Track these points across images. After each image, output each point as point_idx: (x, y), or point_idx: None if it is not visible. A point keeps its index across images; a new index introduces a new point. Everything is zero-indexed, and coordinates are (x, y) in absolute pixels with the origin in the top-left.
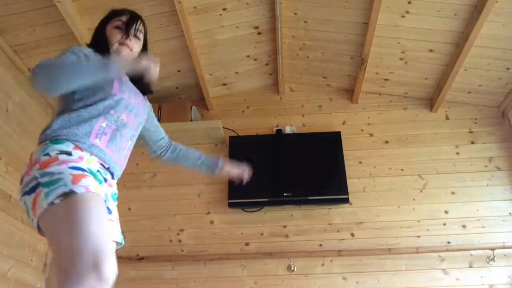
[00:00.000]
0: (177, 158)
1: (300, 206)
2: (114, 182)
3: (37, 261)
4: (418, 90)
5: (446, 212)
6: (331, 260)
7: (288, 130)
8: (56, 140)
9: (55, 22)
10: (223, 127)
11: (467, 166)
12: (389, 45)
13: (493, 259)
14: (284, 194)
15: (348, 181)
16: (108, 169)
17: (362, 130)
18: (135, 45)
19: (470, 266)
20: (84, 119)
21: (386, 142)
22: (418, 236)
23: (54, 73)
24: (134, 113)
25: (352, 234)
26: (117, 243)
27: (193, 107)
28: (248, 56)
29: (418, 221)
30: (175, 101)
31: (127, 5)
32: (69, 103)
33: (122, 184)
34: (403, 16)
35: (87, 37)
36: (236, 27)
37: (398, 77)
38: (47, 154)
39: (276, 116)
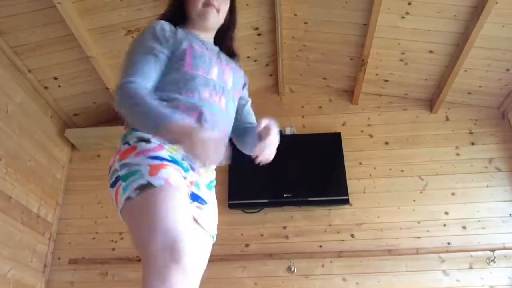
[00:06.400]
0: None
1: (300, 207)
2: (204, 170)
3: (37, 262)
4: (418, 91)
5: (446, 213)
6: (331, 261)
7: (288, 131)
8: None
9: (55, 23)
10: None
11: (467, 167)
12: (389, 46)
13: (493, 260)
14: (284, 195)
15: (348, 182)
16: None
17: (362, 131)
18: (222, 5)
19: (470, 267)
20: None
21: (386, 143)
22: (418, 237)
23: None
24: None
25: (352, 235)
26: (211, 237)
27: None
28: (248, 57)
29: (418, 222)
30: None
31: (127, 5)
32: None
33: None
34: (403, 17)
35: (87, 37)
36: (236, 28)
37: (398, 78)
38: (127, 143)
39: (276, 117)
